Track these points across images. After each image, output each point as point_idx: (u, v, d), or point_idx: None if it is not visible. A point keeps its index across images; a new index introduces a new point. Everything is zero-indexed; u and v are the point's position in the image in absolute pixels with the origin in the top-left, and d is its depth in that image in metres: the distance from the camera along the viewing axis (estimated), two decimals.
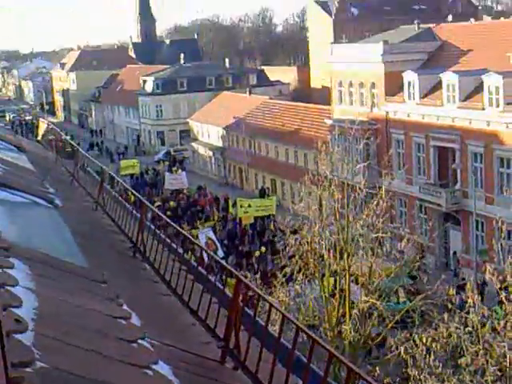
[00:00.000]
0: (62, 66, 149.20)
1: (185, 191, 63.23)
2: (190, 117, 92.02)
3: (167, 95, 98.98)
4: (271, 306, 5.50)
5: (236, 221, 52.91)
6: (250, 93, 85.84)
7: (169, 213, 50.03)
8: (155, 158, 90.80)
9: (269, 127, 71.68)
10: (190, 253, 14.01)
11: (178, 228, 8.12)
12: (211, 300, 6.66)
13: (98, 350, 4.42)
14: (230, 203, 58.59)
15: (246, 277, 20.07)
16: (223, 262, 6.91)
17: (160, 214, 9.60)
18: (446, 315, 19.07)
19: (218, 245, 41.23)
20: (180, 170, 70.21)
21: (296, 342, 4.96)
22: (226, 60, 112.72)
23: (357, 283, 24.32)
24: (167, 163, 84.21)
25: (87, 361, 4.20)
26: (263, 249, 43.55)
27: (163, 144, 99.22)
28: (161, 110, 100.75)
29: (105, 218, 11.59)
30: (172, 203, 58.98)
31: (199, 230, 44.75)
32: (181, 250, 8.28)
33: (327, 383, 4.89)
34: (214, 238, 41.95)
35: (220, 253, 39.11)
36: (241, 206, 50.88)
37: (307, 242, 24.79)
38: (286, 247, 25.89)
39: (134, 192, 12.29)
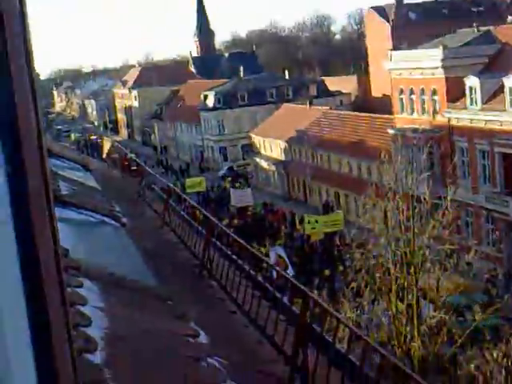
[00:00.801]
0: (124, 83, 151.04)
1: (250, 208, 63.27)
2: (251, 131, 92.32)
3: (228, 109, 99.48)
4: (339, 321, 5.48)
5: (304, 238, 52.67)
6: (311, 104, 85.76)
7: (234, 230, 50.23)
8: (219, 173, 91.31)
9: (331, 139, 71.49)
10: (259, 271, 13.97)
11: (247, 245, 8.12)
12: (278, 317, 6.65)
13: (167, 369, 4.45)
14: (297, 219, 58.48)
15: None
16: (292, 278, 6.89)
17: (227, 230, 9.64)
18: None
19: (289, 263, 40.98)
20: (246, 187, 70.54)
21: (365, 359, 4.94)
22: (286, 71, 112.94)
23: (424, 298, 24.01)
24: (229, 179, 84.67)
25: (157, 380, 4.23)
26: (338, 267, 43.06)
27: (226, 159, 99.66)
28: (222, 125, 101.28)
29: (171, 235, 11.68)
30: (236, 221, 58.89)
31: (270, 248, 44.52)
32: (247, 267, 8.29)
33: None
34: (284, 255, 41.72)
35: (290, 271, 38.70)
36: (308, 222, 50.46)
37: (373, 256, 24.56)
38: (352, 261, 25.68)
39: (199, 208, 12.38)
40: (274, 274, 8.69)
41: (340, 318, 5.46)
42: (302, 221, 54.93)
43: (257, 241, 50.74)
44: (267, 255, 38.17)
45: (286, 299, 7.44)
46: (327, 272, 42.14)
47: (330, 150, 70.44)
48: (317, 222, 50.13)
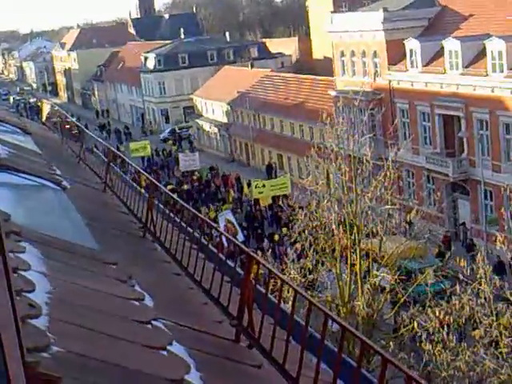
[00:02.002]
0: (63, 45, 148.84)
1: (195, 172, 63.07)
2: (193, 93, 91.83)
3: (169, 71, 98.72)
4: (283, 282, 5.50)
5: (252, 202, 52.66)
6: (252, 66, 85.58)
7: (182, 195, 49.94)
8: (161, 136, 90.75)
9: (273, 101, 71.48)
10: (208, 237, 13.91)
11: (193, 210, 8.08)
12: (223, 278, 6.66)
13: (113, 333, 4.42)
14: (244, 183, 58.38)
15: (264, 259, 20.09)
16: (238, 242, 6.89)
17: (170, 194, 9.59)
18: (457, 287, 19.06)
19: (238, 228, 40.96)
20: (193, 151, 70.28)
21: (309, 318, 4.96)
22: (227, 33, 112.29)
23: (367, 257, 24.29)
24: (171, 142, 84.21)
25: (102, 344, 4.21)
26: (284, 230, 43.01)
27: (168, 122, 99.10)
28: (163, 87, 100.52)
29: (113, 199, 11.59)
30: (185, 186, 58.77)
31: (219, 213, 44.42)
32: (191, 229, 8.27)
33: (341, 358, 4.89)
34: (233, 220, 41.68)
35: (240, 236, 38.61)
36: (255, 187, 50.44)
37: (316, 217, 24.76)
38: (295, 223, 25.83)
39: (141, 170, 12.28)
40: (225, 240, 8.70)
41: (284, 279, 5.47)
42: (249, 185, 55.00)
43: (205, 206, 50.77)
44: (215, 220, 38.13)
45: (231, 262, 7.46)
46: (276, 237, 42.22)
47: (273, 112, 70.45)
48: (264, 186, 50.10)
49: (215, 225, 7.58)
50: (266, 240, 42.47)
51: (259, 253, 23.57)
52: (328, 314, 4.61)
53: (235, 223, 41.32)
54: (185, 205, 8.28)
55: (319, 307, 4.77)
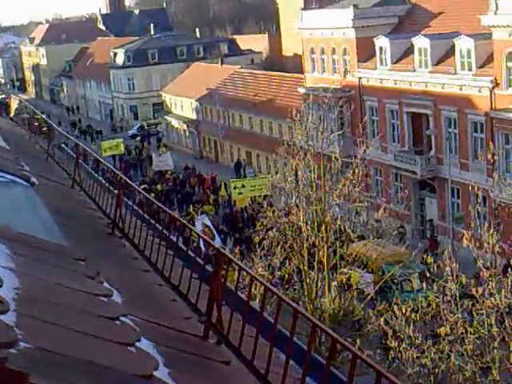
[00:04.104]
0: (31, 40, 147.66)
1: (169, 172, 62.51)
2: (162, 89, 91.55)
3: (138, 67, 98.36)
4: (253, 278, 5.51)
5: (231, 204, 51.91)
6: (222, 63, 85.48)
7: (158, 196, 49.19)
8: (129, 132, 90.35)
9: (242, 98, 71.45)
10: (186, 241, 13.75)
11: (169, 211, 8.05)
12: (192, 275, 6.66)
13: (81, 329, 4.41)
14: (221, 184, 57.73)
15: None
16: (213, 242, 6.89)
17: (139, 189, 9.56)
18: (424, 284, 19.18)
19: (215, 232, 40.65)
20: (163, 150, 69.76)
21: (278, 315, 4.98)
22: (197, 30, 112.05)
23: (334, 254, 24.38)
24: (139, 139, 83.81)
25: (70, 339, 4.19)
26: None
27: (136, 118, 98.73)
28: (133, 83, 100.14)
29: (82, 195, 11.54)
30: (159, 186, 58.00)
31: (196, 217, 43.86)
32: (160, 226, 8.26)
33: (310, 355, 4.91)
34: (210, 224, 41.42)
35: (218, 241, 38.25)
36: (234, 187, 49.77)
37: (284, 214, 24.81)
38: (263, 220, 25.86)
39: (109, 166, 12.25)
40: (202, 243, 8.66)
41: (254, 275, 5.48)
42: (226, 186, 54.57)
43: (181, 207, 50.05)
44: (193, 223, 37.88)
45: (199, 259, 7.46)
46: (257, 239, 41.73)
47: (242, 108, 70.42)
48: (243, 186, 49.34)
49: (188, 224, 7.56)
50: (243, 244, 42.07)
51: (239, 256, 23.63)
52: (298, 311, 4.63)
53: (212, 227, 41.09)
54: (153, 200, 8.26)
55: (289, 303, 4.79)
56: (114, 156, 67.70)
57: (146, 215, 9.06)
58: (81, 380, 3.56)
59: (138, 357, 4.38)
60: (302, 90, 56.82)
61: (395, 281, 26.80)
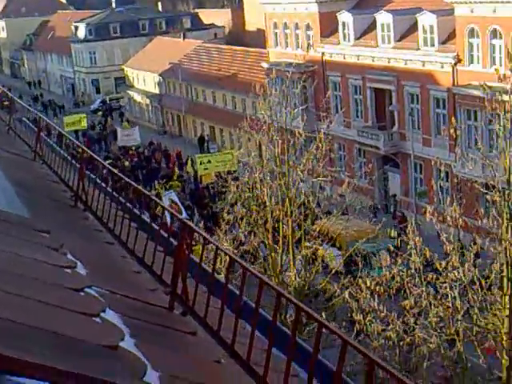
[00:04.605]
0: None
1: (133, 148, 62.04)
2: (124, 63, 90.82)
3: (100, 41, 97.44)
4: (217, 248, 5.48)
5: (197, 180, 51.63)
6: (185, 37, 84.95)
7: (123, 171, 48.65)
8: (91, 107, 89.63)
9: (205, 72, 71.13)
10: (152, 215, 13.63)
11: (133, 183, 7.96)
12: (156, 248, 6.62)
13: (45, 300, 4.35)
14: (187, 159, 57.33)
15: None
16: (178, 214, 6.84)
17: (102, 161, 9.46)
18: (388, 258, 19.33)
19: (182, 208, 40.47)
20: (126, 125, 69.15)
21: (244, 285, 4.96)
22: (159, 3, 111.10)
23: (299, 228, 24.44)
24: (101, 113, 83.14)
25: (34, 310, 4.14)
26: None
27: (98, 92, 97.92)
28: (94, 57, 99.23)
29: (44, 168, 11.40)
30: (127, 163, 57.51)
31: (162, 193, 43.54)
32: (123, 199, 8.18)
33: (276, 325, 4.91)
34: (177, 201, 41.21)
35: (184, 216, 38.09)
36: (200, 163, 49.49)
37: (248, 189, 24.81)
38: (228, 195, 25.85)
39: (71, 139, 12.13)
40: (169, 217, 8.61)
41: (219, 246, 5.45)
42: (192, 161, 54.31)
43: (147, 184, 49.67)
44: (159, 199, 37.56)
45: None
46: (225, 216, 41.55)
47: (205, 83, 70.13)
48: (209, 161, 49.08)
49: (152, 195, 7.49)
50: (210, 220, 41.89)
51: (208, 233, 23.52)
52: (262, 280, 4.61)
53: (179, 203, 40.93)
54: (125, 178, 8.17)
55: (253, 273, 4.77)
56: (76, 131, 67.01)
57: (109, 188, 8.97)
58: (45, 351, 3.51)
59: (103, 327, 4.34)
60: (265, 65, 56.68)
61: (364, 257, 26.96)
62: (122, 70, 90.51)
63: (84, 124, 67.86)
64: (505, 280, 18.00)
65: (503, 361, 18.28)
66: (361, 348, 3.71)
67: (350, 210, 27.78)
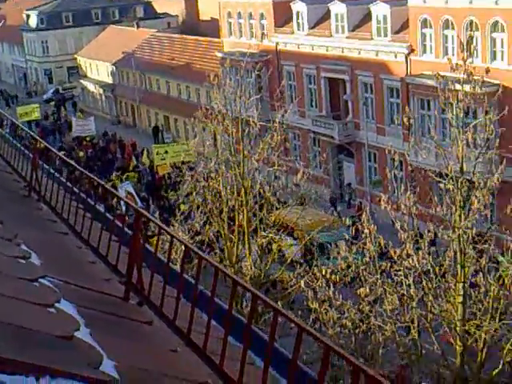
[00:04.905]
0: None
1: (87, 138, 61.46)
2: (77, 52, 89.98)
3: (52, 30, 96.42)
4: (173, 237, 5.46)
5: (154, 170, 51.25)
6: (138, 26, 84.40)
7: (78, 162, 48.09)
8: (44, 96, 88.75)
9: (159, 62, 70.76)
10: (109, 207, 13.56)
11: (87, 173, 7.89)
12: (111, 238, 6.58)
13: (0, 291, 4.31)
14: (142, 150, 56.84)
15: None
16: (134, 204, 6.80)
17: (56, 152, 9.37)
18: (342, 246, 19.43)
19: (138, 199, 40.22)
20: (80, 115, 68.48)
21: (199, 274, 4.95)
22: None
23: (255, 218, 24.45)
24: (53, 103, 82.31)
25: None
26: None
27: (51, 82, 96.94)
28: (47, 46, 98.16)
29: None
30: (81, 153, 56.90)
31: (118, 184, 43.19)
32: (77, 189, 8.11)
33: (232, 314, 4.91)
34: (133, 192, 40.93)
35: (140, 206, 37.70)
36: (157, 153, 49.08)
37: (204, 179, 24.77)
38: (183, 185, 25.79)
39: (24, 128, 12.02)
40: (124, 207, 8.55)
41: (173, 234, 5.44)
42: (148, 151, 53.94)
43: (102, 175, 49.20)
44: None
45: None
46: (182, 207, 41.39)
47: (159, 73, 69.79)
48: (166, 152, 48.71)
49: (106, 185, 7.43)
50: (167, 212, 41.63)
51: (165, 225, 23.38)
52: (219, 269, 4.61)
53: (135, 194, 40.67)
54: (79, 168, 8.11)
55: (209, 262, 4.77)
56: (29, 122, 66.27)
57: (63, 178, 8.90)
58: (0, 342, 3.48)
59: (58, 318, 4.31)
60: (219, 55, 56.59)
61: (322, 247, 27.14)
62: (75, 59, 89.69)
63: (37, 114, 67.28)
64: (458, 267, 18.20)
65: (457, 347, 18.51)
66: (316, 334, 3.73)
67: (308, 199, 27.89)
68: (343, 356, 3.55)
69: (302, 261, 25.41)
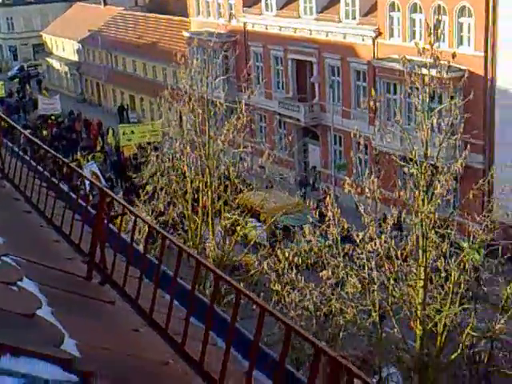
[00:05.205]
0: None
1: (52, 117, 60.81)
2: (43, 29, 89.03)
3: (18, 6, 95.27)
4: (136, 217, 5.46)
5: (119, 151, 50.78)
6: (105, 4, 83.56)
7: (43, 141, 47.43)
8: (9, 74, 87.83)
9: (125, 40, 70.22)
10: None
11: (54, 153, 7.83)
12: (74, 216, 6.55)
13: None
14: (108, 129, 56.33)
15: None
16: (98, 183, 6.77)
17: (19, 128, 9.29)
18: (306, 229, 19.47)
19: (103, 179, 39.89)
20: (45, 93, 67.74)
21: (163, 254, 4.95)
22: None
23: (219, 198, 24.44)
24: (17, 80, 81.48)
25: None
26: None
27: (16, 59, 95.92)
28: (12, 23, 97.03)
29: None
30: (45, 132, 56.28)
31: (83, 164, 42.74)
32: (41, 168, 8.06)
33: (195, 294, 4.92)
34: (98, 172, 40.61)
35: (104, 185, 37.44)
36: (123, 133, 48.68)
37: (169, 159, 24.68)
38: (147, 165, 25.68)
39: None
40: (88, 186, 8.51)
41: (136, 214, 5.43)
42: (113, 131, 53.51)
43: (67, 154, 48.69)
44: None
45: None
46: (149, 188, 41.06)
47: (125, 51, 69.27)
48: (132, 132, 48.34)
49: (73, 166, 7.37)
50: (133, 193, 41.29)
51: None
52: (182, 248, 4.62)
53: (100, 175, 40.39)
54: (43, 145, 8.04)
55: (173, 241, 4.77)
56: None
57: (26, 156, 8.83)
58: None
59: (20, 296, 4.29)
60: (186, 34, 56.30)
61: (286, 229, 27.21)
62: (41, 36, 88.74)
63: (1, 92, 66.58)
64: (420, 251, 18.35)
65: (417, 331, 18.69)
66: (278, 315, 3.76)
67: (275, 182, 27.98)
68: (304, 337, 3.58)
69: (266, 243, 25.47)
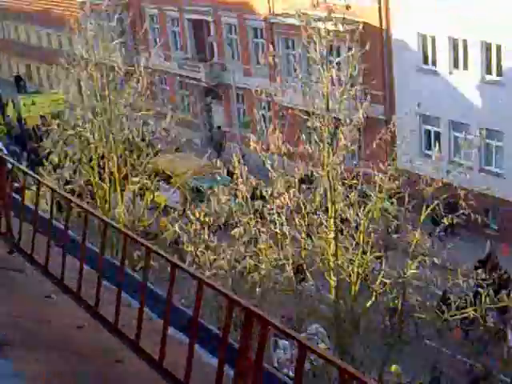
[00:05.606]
0: None
1: None
2: None
3: None
4: (40, 183, 5.37)
5: (22, 122, 49.45)
6: None
7: None
8: None
9: (16, 8, 68.26)
10: None
11: None
12: None
13: None
14: (7, 101, 54.83)
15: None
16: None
17: None
18: (217, 189, 19.47)
19: (5, 151, 38.91)
20: None
21: (69, 218, 4.90)
22: None
23: (125, 164, 24.20)
24: None
25: None
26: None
27: None
28: None
29: None
30: None
31: None
32: None
33: (104, 256, 4.88)
34: (1, 146, 39.62)
35: (4, 153, 36.65)
36: (24, 105, 47.58)
37: (71, 127, 24.30)
38: (49, 134, 25.25)
39: None
40: None
41: (40, 180, 5.34)
42: (13, 103, 52.17)
43: None
44: None
45: None
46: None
47: (17, 19, 67.45)
48: (33, 103, 47.27)
49: None
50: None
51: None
52: (87, 210, 4.57)
53: (4, 149, 39.44)
54: None
55: (78, 204, 4.72)
56: None
57: None
58: None
59: None
60: None
61: (199, 191, 27.18)
62: None
63: None
64: (329, 203, 18.57)
65: (331, 281, 18.96)
66: (188, 269, 3.76)
67: (181, 145, 27.82)
68: (216, 289, 3.60)
69: (178, 207, 25.46)
